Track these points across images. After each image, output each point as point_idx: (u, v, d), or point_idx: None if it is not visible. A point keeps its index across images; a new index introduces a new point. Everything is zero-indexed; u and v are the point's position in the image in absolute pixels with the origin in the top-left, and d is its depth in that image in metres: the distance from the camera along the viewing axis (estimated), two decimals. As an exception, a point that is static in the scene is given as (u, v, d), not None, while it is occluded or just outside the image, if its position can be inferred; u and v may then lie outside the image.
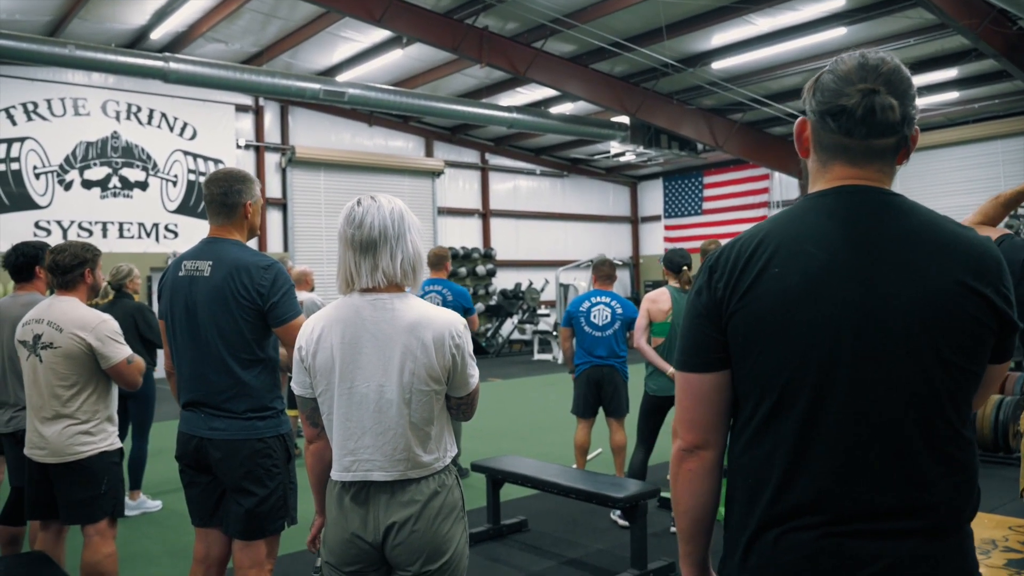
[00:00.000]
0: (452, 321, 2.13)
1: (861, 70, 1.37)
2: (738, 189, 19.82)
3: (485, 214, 19.38)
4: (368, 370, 2.08)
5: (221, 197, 2.87)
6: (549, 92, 14.48)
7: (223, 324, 2.75)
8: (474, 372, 2.20)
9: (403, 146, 17.86)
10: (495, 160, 19.60)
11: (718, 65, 13.08)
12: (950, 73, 13.39)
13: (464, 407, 2.25)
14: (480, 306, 18.03)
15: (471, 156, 19.17)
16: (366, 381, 2.08)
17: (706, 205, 20.56)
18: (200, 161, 14.52)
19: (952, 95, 14.37)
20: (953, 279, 1.31)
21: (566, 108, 15.65)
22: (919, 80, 13.51)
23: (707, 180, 20.52)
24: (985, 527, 4.79)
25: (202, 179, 10.57)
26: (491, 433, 8.21)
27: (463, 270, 18.12)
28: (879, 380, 1.30)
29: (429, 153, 18.29)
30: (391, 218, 2.12)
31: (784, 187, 18.72)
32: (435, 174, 18.11)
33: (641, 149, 15.65)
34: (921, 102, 14.50)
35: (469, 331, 2.20)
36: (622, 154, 16.17)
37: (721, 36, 12.24)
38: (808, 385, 1.32)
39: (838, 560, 1.29)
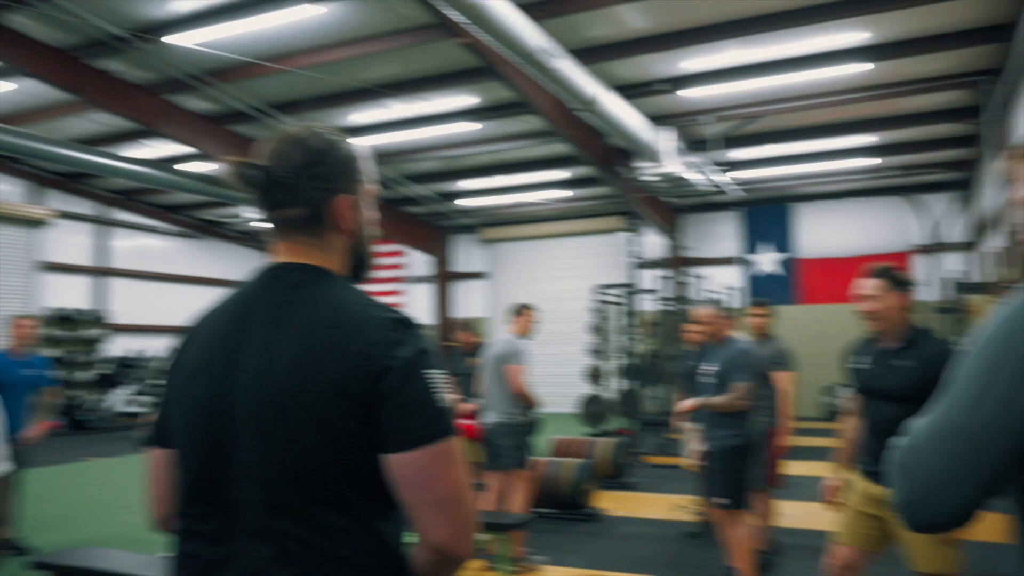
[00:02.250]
0: None
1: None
2: (376, 262, 20.43)
3: (104, 272, 17.56)
4: None
5: None
6: (184, 148, 13.71)
7: None
8: None
9: (3, 190, 15.60)
10: (119, 215, 17.96)
11: (357, 142, 13.45)
12: (564, 173, 15.29)
13: None
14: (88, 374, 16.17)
15: (89, 208, 17.35)
16: None
17: (345, 277, 20.83)
18: None
19: (568, 192, 16.42)
20: None
21: (201, 167, 14.92)
22: (538, 176, 15.29)
23: (347, 252, 20.83)
24: (557, 583, 5.26)
25: None
26: (70, 521, 7.18)
27: (62, 333, 16.04)
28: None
29: (36, 200, 16.17)
30: None
31: (418, 263, 19.69)
32: (38, 223, 15.98)
33: (277, 216, 15.42)
34: (538, 196, 16.43)
35: None
36: (254, 219, 15.82)
37: (358, 115, 12.64)
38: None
39: None
